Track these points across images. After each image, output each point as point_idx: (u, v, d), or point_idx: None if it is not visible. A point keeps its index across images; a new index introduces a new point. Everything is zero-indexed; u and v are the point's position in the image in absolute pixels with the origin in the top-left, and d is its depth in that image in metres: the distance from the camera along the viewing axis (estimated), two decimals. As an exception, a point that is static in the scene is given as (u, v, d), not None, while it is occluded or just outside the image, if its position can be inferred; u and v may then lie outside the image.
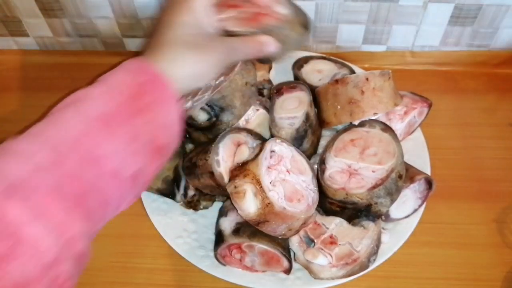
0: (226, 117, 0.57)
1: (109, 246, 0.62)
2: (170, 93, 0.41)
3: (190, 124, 0.59)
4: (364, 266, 0.54)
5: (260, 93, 0.64)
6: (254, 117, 0.60)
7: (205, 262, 0.57)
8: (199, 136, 0.61)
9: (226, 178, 0.54)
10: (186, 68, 0.42)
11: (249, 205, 0.50)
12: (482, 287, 0.58)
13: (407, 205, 0.59)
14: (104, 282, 0.60)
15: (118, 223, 0.63)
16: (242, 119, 0.60)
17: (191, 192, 0.61)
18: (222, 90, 0.56)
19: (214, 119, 0.57)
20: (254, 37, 0.47)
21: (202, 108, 0.56)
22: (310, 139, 0.60)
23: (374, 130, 0.58)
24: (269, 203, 0.50)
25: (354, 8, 0.70)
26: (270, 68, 0.68)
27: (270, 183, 0.52)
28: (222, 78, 0.58)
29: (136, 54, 0.82)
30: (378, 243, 0.55)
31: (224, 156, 0.54)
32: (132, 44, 0.80)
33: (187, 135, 0.63)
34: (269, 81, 0.66)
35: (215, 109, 0.57)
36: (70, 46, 0.81)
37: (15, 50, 0.83)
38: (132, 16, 0.74)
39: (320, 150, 0.63)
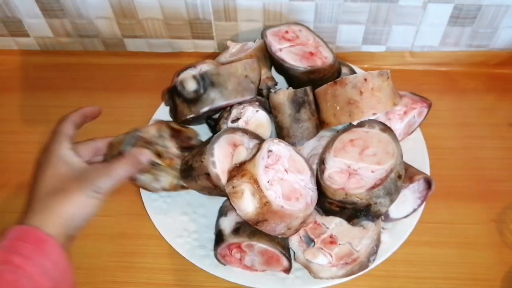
0: (213, 94, 0.58)
1: (109, 245, 0.62)
2: (44, 241, 0.44)
3: (178, 94, 0.60)
4: (363, 266, 0.54)
5: (259, 93, 0.64)
6: (254, 118, 0.60)
7: (206, 261, 0.57)
8: (183, 109, 0.60)
9: (222, 179, 0.54)
10: (54, 216, 0.46)
11: (247, 205, 0.50)
12: (481, 286, 0.58)
13: (406, 205, 0.59)
14: (104, 282, 0.60)
15: (118, 223, 0.64)
16: (242, 120, 0.60)
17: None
18: (221, 68, 0.57)
19: (201, 91, 0.58)
20: (125, 157, 0.54)
21: (193, 77, 0.57)
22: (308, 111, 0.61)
23: (373, 130, 0.58)
24: (267, 202, 0.50)
25: (354, 8, 0.71)
26: (271, 66, 0.68)
27: (268, 182, 0.52)
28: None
29: (136, 54, 0.83)
30: (378, 243, 0.56)
31: (219, 157, 0.55)
32: (132, 44, 0.80)
33: (174, 106, 0.63)
34: (272, 79, 0.66)
35: (206, 81, 0.57)
36: (71, 46, 0.81)
37: (15, 50, 0.83)
38: (132, 16, 0.75)
39: (320, 150, 0.63)
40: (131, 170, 0.53)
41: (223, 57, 0.69)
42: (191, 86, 0.58)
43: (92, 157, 0.57)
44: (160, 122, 0.60)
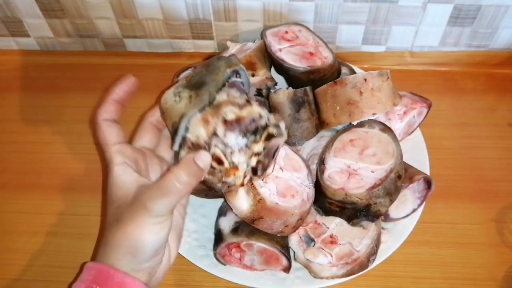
0: None
1: (109, 245, 0.62)
2: (118, 278, 0.41)
3: None
4: (364, 266, 0.54)
5: (259, 93, 0.64)
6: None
7: (205, 261, 0.57)
8: None
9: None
10: (119, 253, 0.41)
11: (241, 203, 0.51)
12: (481, 286, 0.58)
13: (406, 205, 0.59)
14: (104, 282, 0.60)
15: (118, 222, 0.64)
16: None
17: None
18: None
19: None
20: (183, 162, 0.41)
21: None
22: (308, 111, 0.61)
23: (373, 131, 0.58)
24: (260, 199, 0.50)
25: (354, 8, 0.71)
26: (271, 66, 0.68)
27: (262, 180, 0.52)
28: None
29: (136, 54, 0.83)
30: (378, 243, 0.56)
31: None
32: (133, 44, 0.80)
33: None
34: (272, 79, 0.66)
35: None
36: (71, 47, 0.81)
37: (16, 50, 0.83)
38: (132, 16, 0.75)
39: (319, 150, 0.63)
40: (191, 182, 0.41)
41: (223, 57, 0.69)
42: None
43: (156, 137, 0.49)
44: (208, 117, 0.42)
